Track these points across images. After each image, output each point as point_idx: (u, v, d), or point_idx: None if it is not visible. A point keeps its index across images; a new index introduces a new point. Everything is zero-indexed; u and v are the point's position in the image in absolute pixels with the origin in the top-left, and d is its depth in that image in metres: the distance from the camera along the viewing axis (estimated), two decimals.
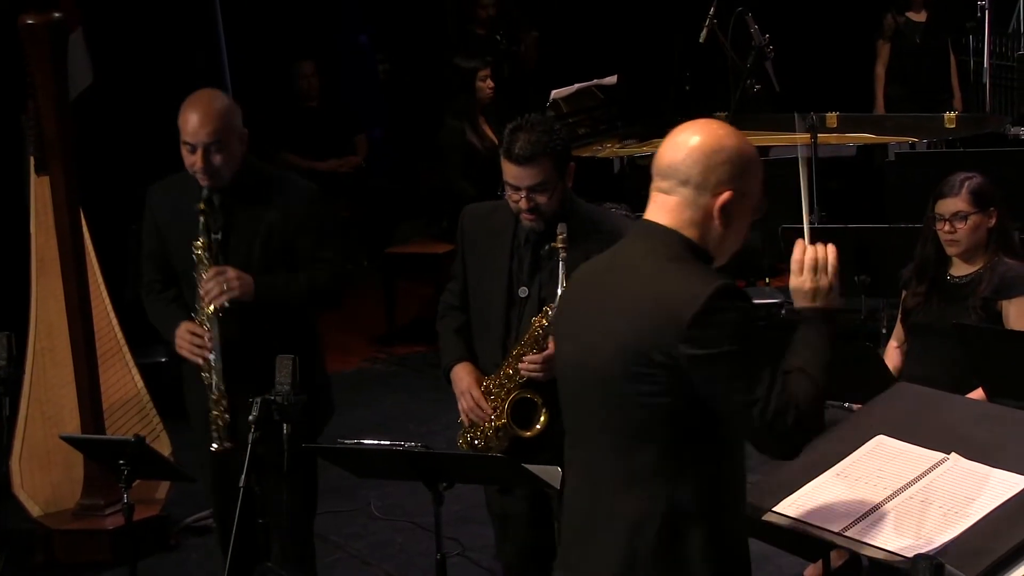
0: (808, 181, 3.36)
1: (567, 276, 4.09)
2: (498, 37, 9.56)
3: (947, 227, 4.97)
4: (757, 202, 3.12)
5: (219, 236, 4.53)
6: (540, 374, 4.19)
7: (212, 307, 4.48)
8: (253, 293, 4.50)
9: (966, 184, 4.97)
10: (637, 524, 3.06)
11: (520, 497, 4.39)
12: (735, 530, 3.14)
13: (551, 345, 4.15)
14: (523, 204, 4.19)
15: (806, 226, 3.25)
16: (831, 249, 3.16)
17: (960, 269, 5.05)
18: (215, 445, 4.55)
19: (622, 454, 3.07)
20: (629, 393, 3.02)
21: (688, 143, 3.08)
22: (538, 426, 4.25)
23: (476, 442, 4.33)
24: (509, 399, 4.26)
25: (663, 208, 3.09)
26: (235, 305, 4.50)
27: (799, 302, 3.15)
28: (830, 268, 3.13)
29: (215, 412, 4.53)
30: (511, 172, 4.18)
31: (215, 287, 4.46)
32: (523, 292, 4.28)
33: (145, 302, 4.79)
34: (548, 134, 4.17)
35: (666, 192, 3.09)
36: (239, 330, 4.54)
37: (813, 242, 3.18)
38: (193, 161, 4.47)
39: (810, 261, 3.14)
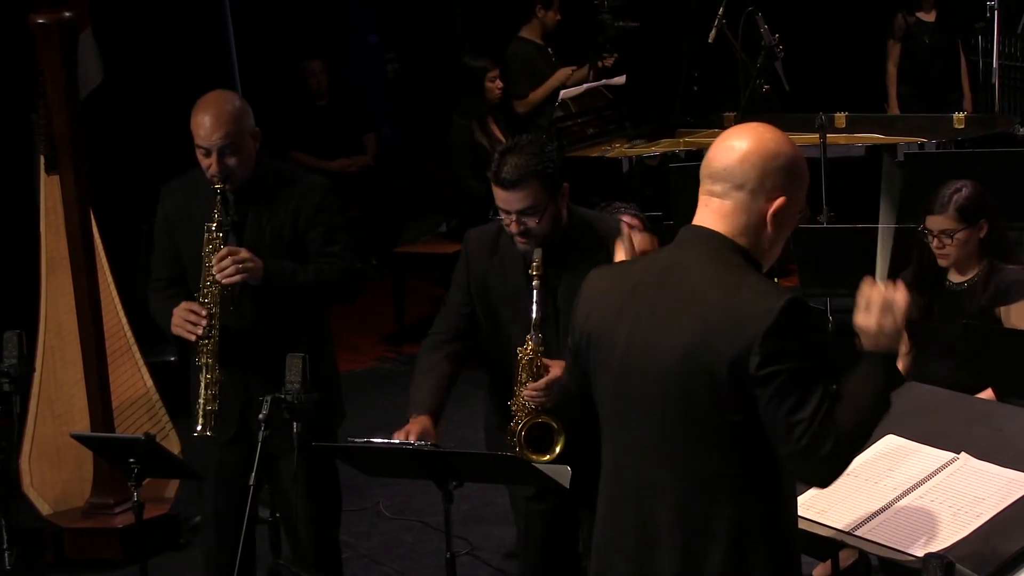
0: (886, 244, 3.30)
1: (542, 303, 4.07)
2: (620, 23, 9.27)
3: (936, 243, 4.96)
4: (801, 210, 3.08)
5: (229, 229, 4.52)
6: (545, 399, 4.13)
7: (219, 286, 4.45)
8: (262, 276, 4.48)
9: (953, 199, 4.90)
10: (702, 537, 2.98)
11: (546, 501, 4.33)
12: (793, 544, 3.08)
13: (553, 370, 4.10)
14: (513, 227, 4.13)
15: (880, 266, 3.17)
16: (901, 290, 3.04)
17: (957, 275, 5.04)
18: (198, 428, 4.52)
19: (685, 465, 2.99)
20: (696, 403, 2.94)
21: (744, 147, 3.00)
22: (558, 448, 4.15)
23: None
24: (523, 425, 4.18)
25: (717, 213, 3.02)
26: (241, 291, 4.50)
27: (865, 342, 3.03)
28: (897, 310, 3.01)
29: (205, 396, 4.49)
30: (500, 196, 4.12)
31: (229, 264, 4.43)
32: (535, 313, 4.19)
33: (149, 298, 4.80)
34: (537, 156, 4.09)
35: (720, 196, 3.01)
36: (244, 319, 4.55)
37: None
38: (208, 164, 4.47)
39: (879, 300, 3.02)
